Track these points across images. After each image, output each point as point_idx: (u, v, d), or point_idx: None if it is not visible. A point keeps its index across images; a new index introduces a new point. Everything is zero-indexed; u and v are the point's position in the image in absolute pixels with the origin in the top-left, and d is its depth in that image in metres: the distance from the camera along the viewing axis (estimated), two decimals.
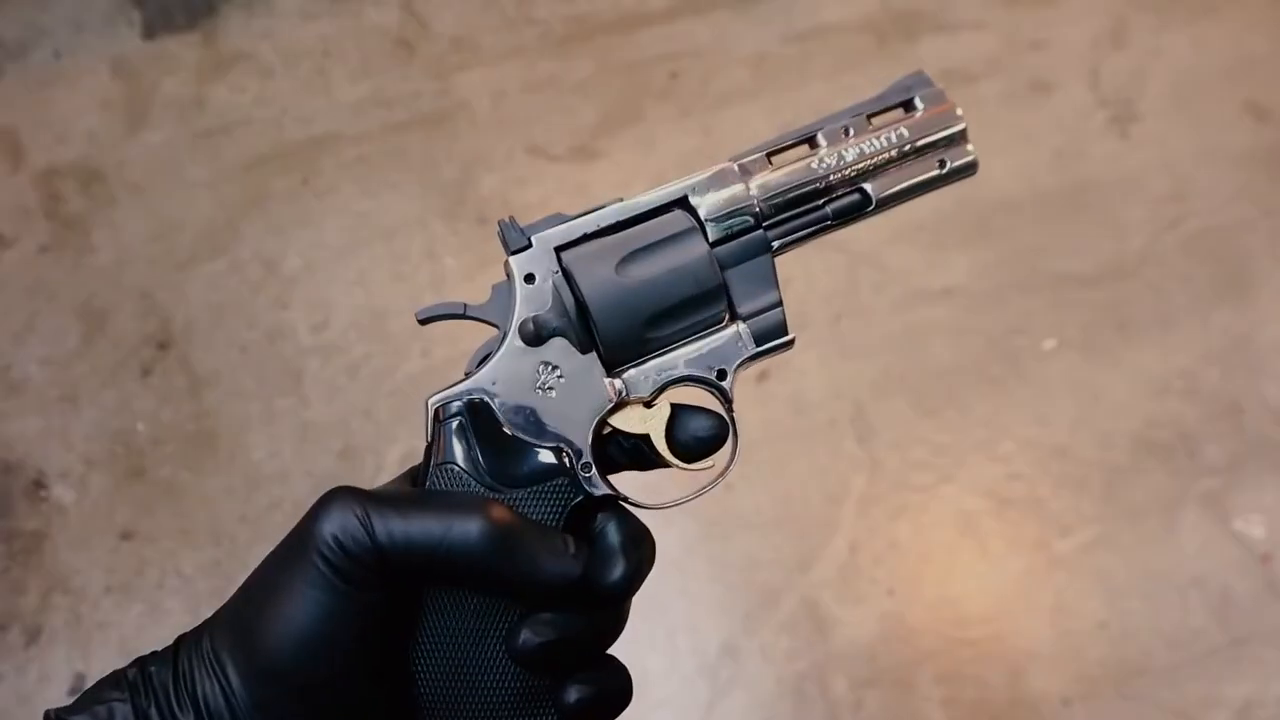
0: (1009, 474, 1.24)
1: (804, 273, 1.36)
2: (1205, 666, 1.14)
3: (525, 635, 0.42)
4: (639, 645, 1.14)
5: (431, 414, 0.44)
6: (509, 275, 0.46)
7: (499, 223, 0.46)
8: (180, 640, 0.43)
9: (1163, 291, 1.36)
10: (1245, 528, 1.21)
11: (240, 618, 0.42)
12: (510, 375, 0.45)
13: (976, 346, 1.32)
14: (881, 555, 1.20)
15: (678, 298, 0.45)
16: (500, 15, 1.57)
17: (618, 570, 0.44)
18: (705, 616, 1.16)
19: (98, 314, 1.35)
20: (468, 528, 0.41)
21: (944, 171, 0.50)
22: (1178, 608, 1.17)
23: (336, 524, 0.40)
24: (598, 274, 0.45)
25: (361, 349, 1.33)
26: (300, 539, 0.41)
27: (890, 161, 0.49)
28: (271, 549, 0.44)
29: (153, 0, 1.57)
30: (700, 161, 1.45)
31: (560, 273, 0.45)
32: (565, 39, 1.55)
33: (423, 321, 0.46)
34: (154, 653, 0.44)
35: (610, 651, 0.46)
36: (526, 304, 0.45)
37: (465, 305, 0.47)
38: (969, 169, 0.50)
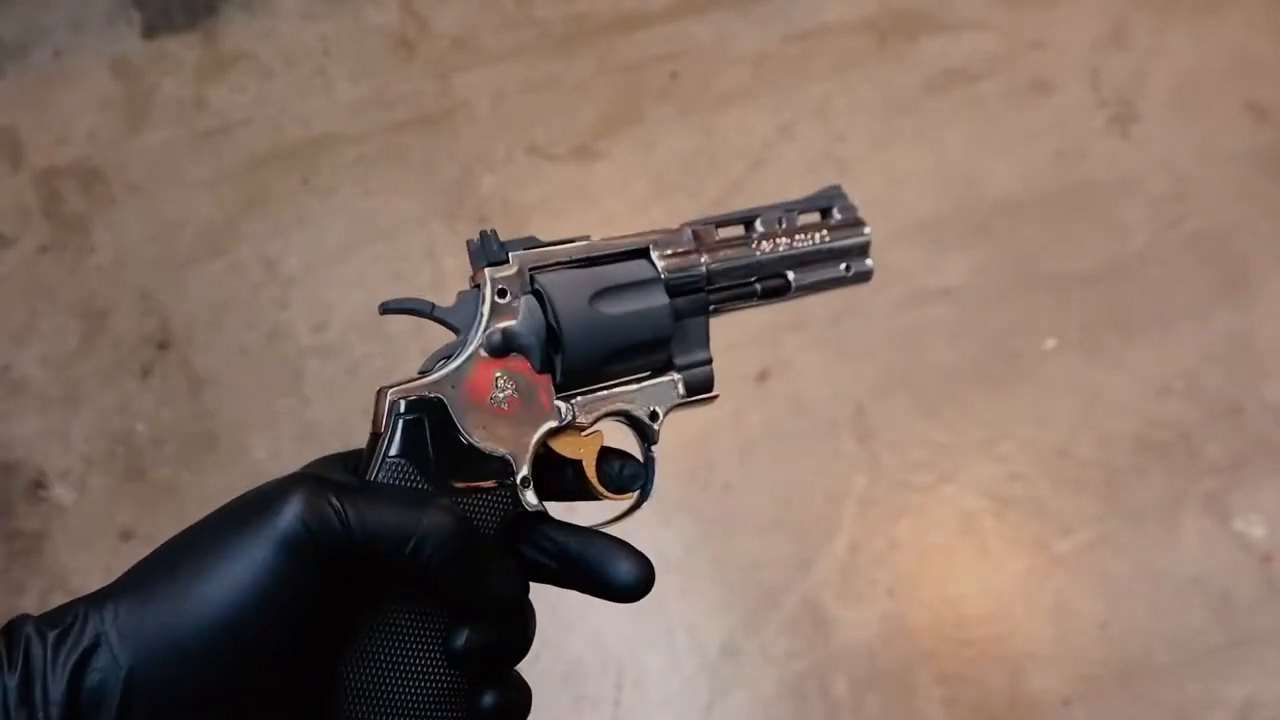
0: (1009, 474, 1.24)
1: None
2: (1206, 666, 1.14)
3: (470, 636, 0.43)
4: (638, 645, 1.14)
5: (389, 406, 0.46)
6: (478, 285, 0.49)
7: (481, 233, 0.50)
8: (75, 606, 0.40)
9: (1163, 291, 1.36)
10: (1245, 527, 1.21)
11: (162, 574, 0.40)
12: (469, 382, 0.47)
13: (977, 346, 1.32)
14: (882, 555, 1.19)
15: (636, 339, 0.49)
16: (500, 15, 1.57)
17: (630, 569, 0.47)
18: (705, 617, 1.16)
19: (98, 314, 1.35)
20: (443, 527, 0.41)
21: (847, 275, 0.59)
22: (1178, 608, 1.17)
23: (309, 509, 0.40)
24: (573, 303, 0.48)
25: (362, 349, 1.33)
26: (258, 520, 0.40)
27: (810, 257, 0.57)
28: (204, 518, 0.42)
29: (153, 0, 1.57)
30: (701, 163, 1.45)
31: (533, 294, 0.48)
32: (565, 39, 1.55)
33: (384, 311, 0.49)
34: (36, 615, 0.40)
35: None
36: (494, 316, 0.48)
37: (433, 305, 0.49)
38: (867, 276, 0.60)
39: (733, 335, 1.39)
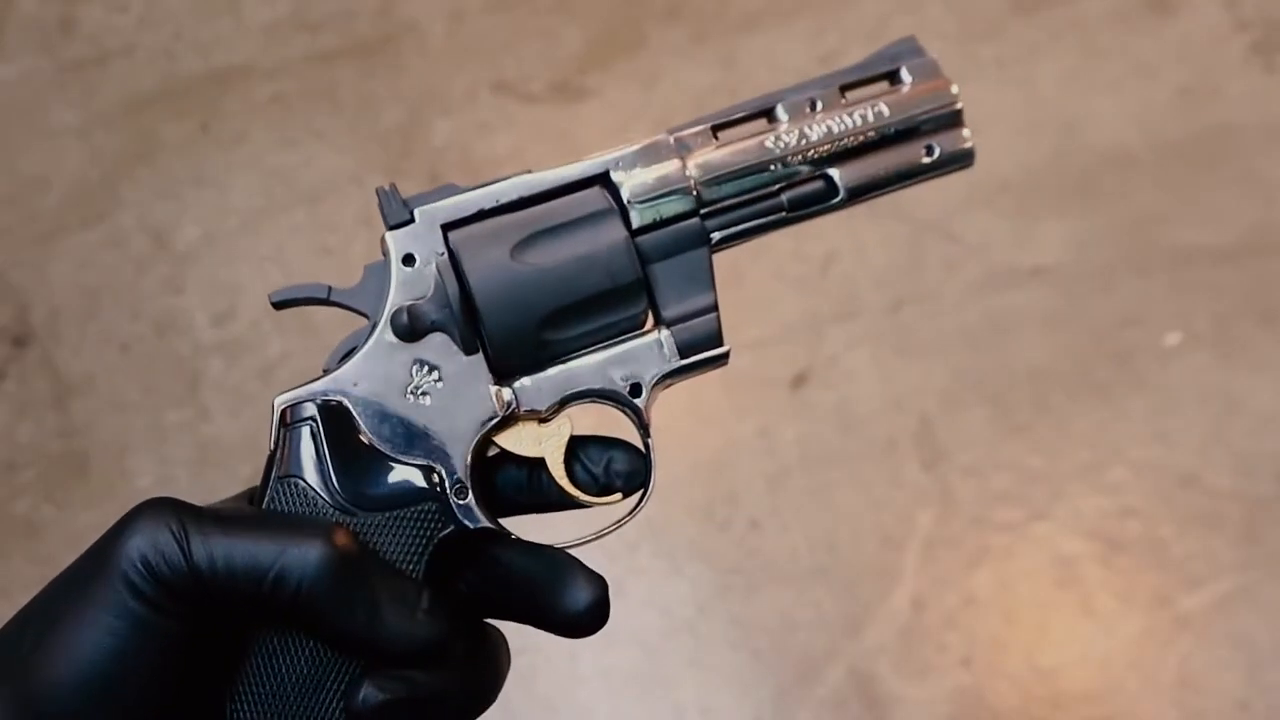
0: (1120, 508, 1.24)
1: (853, 245, 1.36)
2: None
3: (367, 691, 0.45)
4: None
5: (278, 416, 0.48)
6: (385, 255, 0.50)
7: (377, 191, 0.50)
8: None
9: None
10: None
11: (12, 647, 0.44)
12: (377, 375, 0.48)
13: (1077, 342, 1.32)
14: (954, 614, 1.19)
15: (584, 293, 0.48)
16: None
17: (583, 592, 0.48)
18: (724, 693, 1.16)
19: None
20: (307, 556, 0.43)
21: (932, 160, 0.53)
22: None
23: (146, 541, 0.43)
24: (488, 258, 0.48)
25: (278, 345, 1.33)
26: (99, 557, 0.44)
27: (865, 144, 0.52)
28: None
29: None
30: (719, 103, 1.45)
31: (446, 255, 0.49)
32: None
33: (278, 305, 0.51)
34: None
35: None
36: (402, 290, 0.49)
37: (330, 288, 0.51)
38: (963, 159, 0.54)
39: (760, 327, 1.39)
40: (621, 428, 0.53)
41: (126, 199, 1.40)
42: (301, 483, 0.47)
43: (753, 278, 1.33)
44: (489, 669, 0.49)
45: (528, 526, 0.51)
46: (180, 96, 1.46)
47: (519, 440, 0.49)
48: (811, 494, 1.25)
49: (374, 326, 0.49)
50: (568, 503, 0.51)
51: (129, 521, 0.44)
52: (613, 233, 0.49)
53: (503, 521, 0.50)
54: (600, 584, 0.48)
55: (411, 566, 0.47)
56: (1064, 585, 1.21)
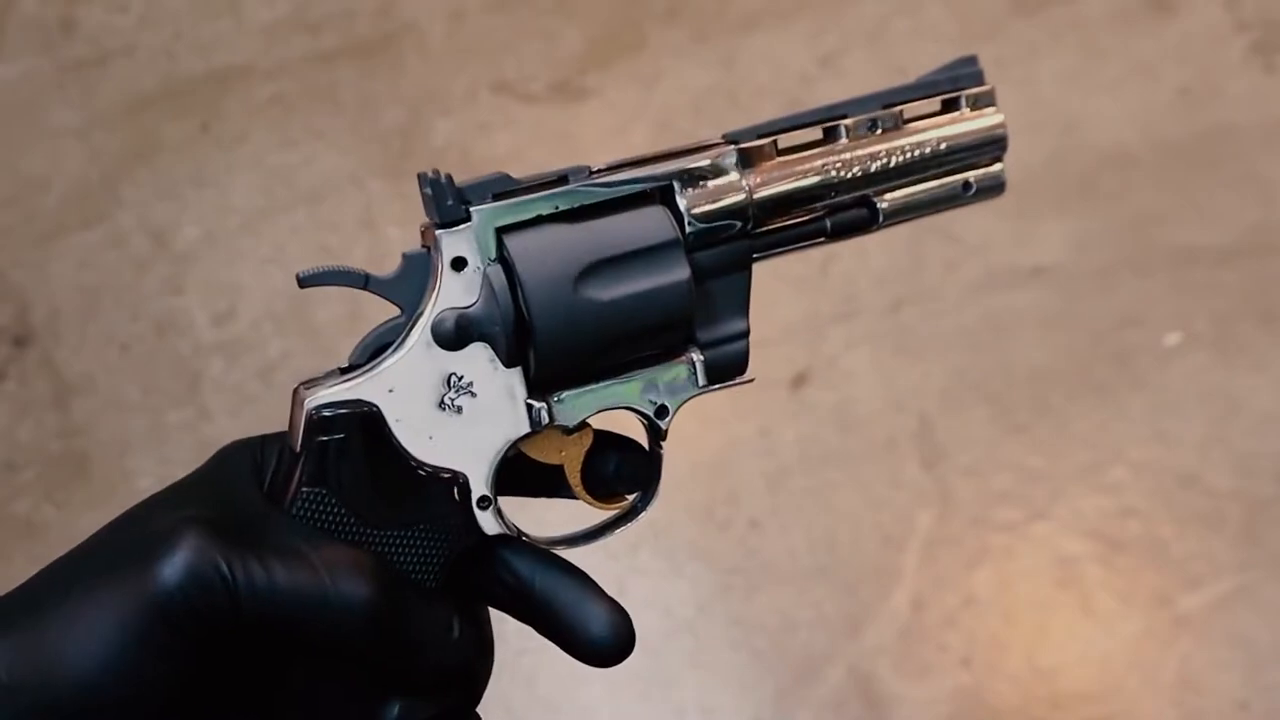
0: (1120, 508, 1.24)
1: (853, 245, 1.36)
2: None
3: (400, 712, 0.46)
4: None
5: (305, 420, 0.46)
6: (428, 248, 0.47)
7: (419, 177, 0.47)
8: None
9: None
10: None
11: (34, 646, 0.42)
12: (412, 383, 0.46)
13: (1077, 343, 1.32)
14: (954, 614, 1.19)
15: (640, 326, 0.48)
16: None
17: (601, 621, 0.48)
18: (724, 693, 1.16)
19: None
20: (352, 595, 0.43)
21: (967, 194, 0.54)
22: None
23: (188, 573, 0.41)
24: (548, 279, 0.46)
25: (278, 346, 1.33)
26: (132, 573, 0.42)
27: (916, 178, 0.52)
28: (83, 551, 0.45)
29: None
30: (718, 104, 1.45)
31: (499, 263, 0.47)
32: None
33: (304, 284, 0.48)
34: None
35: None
36: (448, 295, 0.46)
37: (368, 276, 0.48)
38: (996, 191, 0.55)
39: (760, 327, 1.38)
40: (628, 425, 0.53)
41: (126, 199, 1.40)
42: (329, 496, 0.46)
43: (753, 278, 1.33)
44: (489, 649, 0.50)
45: (530, 527, 0.51)
46: (180, 96, 1.46)
47: (542, 448, 0.49)
48: (811, 494, 1.25)
49: (410, 328, 0.47)
50: (568, 495, 0.51)
51: (173, 544, 0.42)
52: (677, 272, 0.48)
53: (504, 502, 0.50)
54: (624, 619, 0.48)
55: (431, 578, 0.47)
56: (1064, 585, 1.21)
